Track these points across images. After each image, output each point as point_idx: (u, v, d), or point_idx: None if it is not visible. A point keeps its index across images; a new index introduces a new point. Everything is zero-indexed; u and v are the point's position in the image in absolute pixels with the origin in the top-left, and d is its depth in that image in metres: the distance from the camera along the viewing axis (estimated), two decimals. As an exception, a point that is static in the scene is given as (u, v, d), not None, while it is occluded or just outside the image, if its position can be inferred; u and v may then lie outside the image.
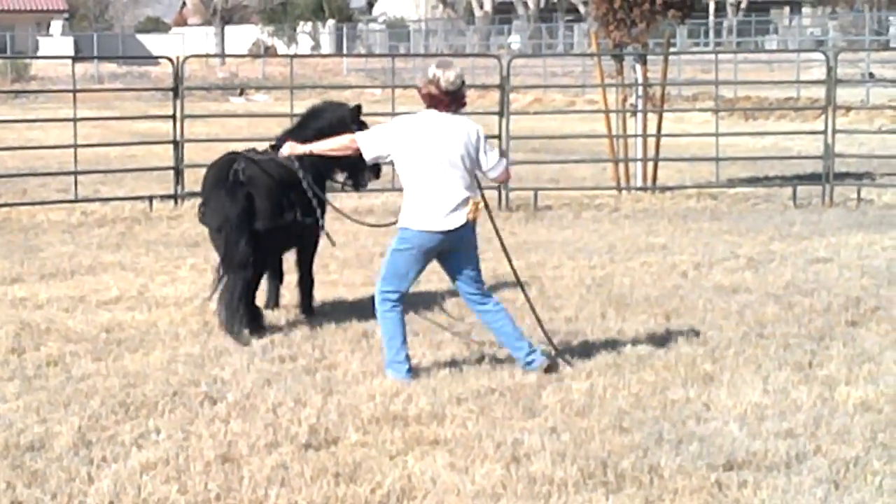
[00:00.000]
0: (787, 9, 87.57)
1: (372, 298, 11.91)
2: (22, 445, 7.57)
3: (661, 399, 8.57)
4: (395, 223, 9.47)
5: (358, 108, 11.44)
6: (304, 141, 10.30)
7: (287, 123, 13.32)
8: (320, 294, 12.04)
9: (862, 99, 36.28)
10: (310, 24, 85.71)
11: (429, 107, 9.11)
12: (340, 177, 11.47)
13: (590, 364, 9.48)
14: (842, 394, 8.65)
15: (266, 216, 10.47)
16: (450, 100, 9.04)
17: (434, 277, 11.50)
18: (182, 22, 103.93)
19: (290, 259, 11.38)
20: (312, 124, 11.18)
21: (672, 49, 25.74)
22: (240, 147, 11.47)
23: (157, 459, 7.29)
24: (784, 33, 73.53)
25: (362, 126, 11.10)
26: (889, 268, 13.67)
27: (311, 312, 11.29)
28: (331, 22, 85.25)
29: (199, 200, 11.05)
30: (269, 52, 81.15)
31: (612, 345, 10.09)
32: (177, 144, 18.91)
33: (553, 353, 9.61)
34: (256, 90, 55.57)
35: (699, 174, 22.83)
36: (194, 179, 15.43)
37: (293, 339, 10.28)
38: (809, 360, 9.60)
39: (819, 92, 27.64)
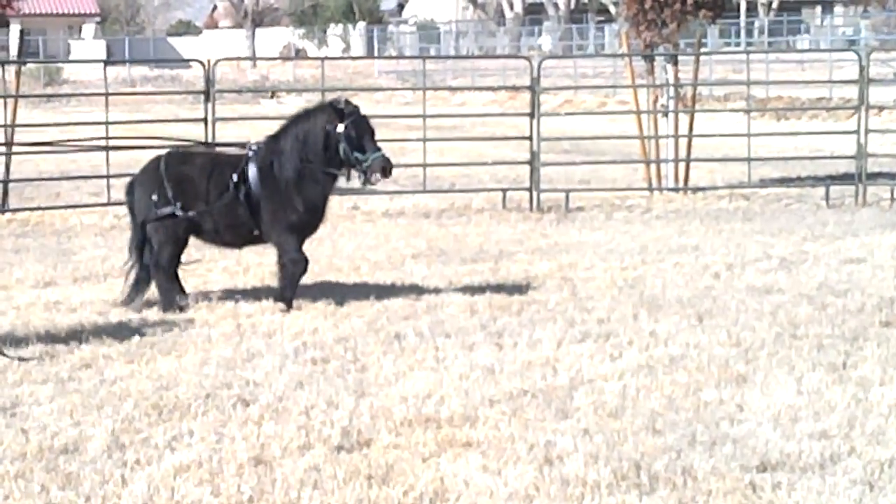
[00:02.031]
0: (818, 8, 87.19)
1: (400, 299, 11.98)
2: (56, 448, 7.60)
3: (695, 400, 8.54)
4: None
5: (333, 107, 11.69)
6: (285, 146, 11.62)
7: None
8: (352, 296, 12.06)
9: (895, 98, 36.07)
10: (340, 26, 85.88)
11: None
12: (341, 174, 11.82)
13: (622, 365, 9.46)
14: (876, 394, 8.60)
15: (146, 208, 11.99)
16: None
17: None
18: (213, 25, 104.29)
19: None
20: (292, 129, 11.81)
21: (703, 49, 25.66)
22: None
23: (190, 462, 7.31)
24: (816, 33, 73.23)
25: (348, 125, 11.50)
26: (923, 268, 13.60)
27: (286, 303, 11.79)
28: (361, 24, 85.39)
29: None
30: (300, 54, 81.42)
31: (644, 346, 10.07)
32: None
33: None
34: (287, 93, 55.66)
35: (731, 175, 22.77)
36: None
37: (325, 342, 10.29)
38: (843, 361, 9.55)
39: (851, 91, 27.52)
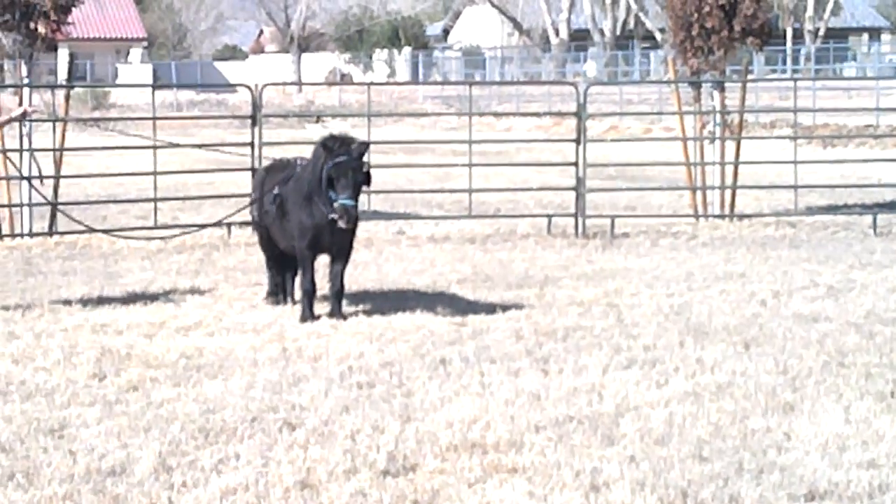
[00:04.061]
0: (865, 36, 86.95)
1: (446, 324, 11.98)
2: (103, 470, 7.63)
3: (741, 428, 8.50)
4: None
5: (325, 145, 12.14)
6: (302, 172, 12.48)
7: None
8: (397, 321, 12.07)
9: (943, 126, 35.91)
10: (386, 51, 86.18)
11: None
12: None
13: (668, 392, 9.43)
14: (925, 424, 8.55)
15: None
16: None
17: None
18: (259, 50, 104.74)
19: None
20: (311, 157, 12.50)
21: (750, 76, 25.59)
22: None
23: (236, 485, 7.32)
24: (863, 60, 73.01)
25: (331, 166, 11.93)
26: (972, 297, 13.50)
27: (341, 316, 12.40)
28: (407, 49, 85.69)
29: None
30: (346, 79, 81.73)
31: (690, 373, 10.03)
32: (255, 172, 19.01)
33: None
34: (333, 117, 55.82)
35: (777, 202, 22.69)
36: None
37: (370, 366, 10.30)
38: (892, 390, 9.47)
39: (899, 119, 27.41)
